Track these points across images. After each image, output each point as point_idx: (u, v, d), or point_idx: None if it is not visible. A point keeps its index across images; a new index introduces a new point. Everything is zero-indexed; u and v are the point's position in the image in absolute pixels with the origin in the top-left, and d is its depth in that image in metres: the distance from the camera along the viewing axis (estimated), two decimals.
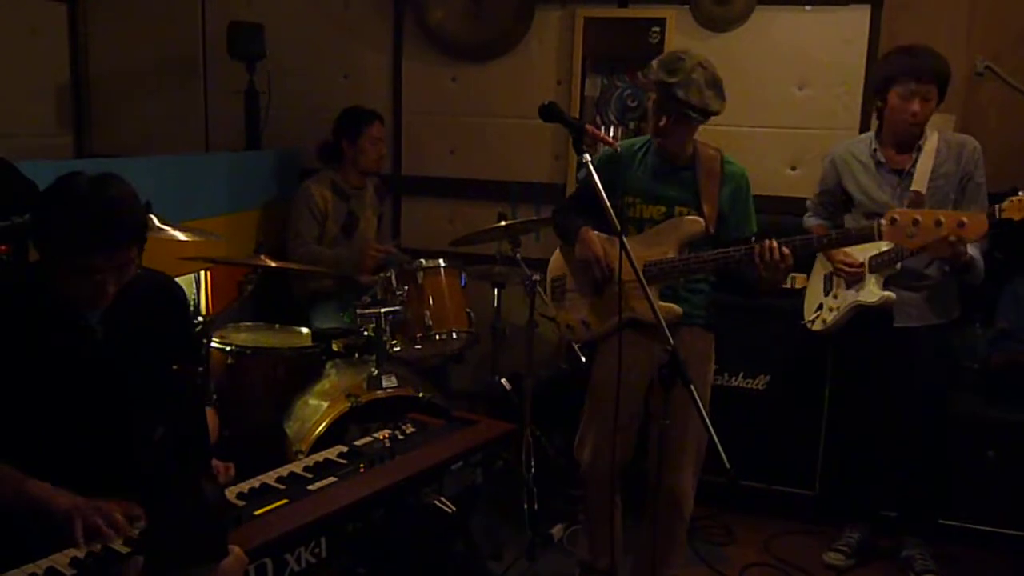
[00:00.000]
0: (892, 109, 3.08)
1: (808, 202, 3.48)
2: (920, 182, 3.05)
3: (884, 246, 3.07)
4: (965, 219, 2.47)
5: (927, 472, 3.33)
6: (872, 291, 3.09)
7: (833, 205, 3.34)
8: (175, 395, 0.86)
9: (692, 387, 2.07)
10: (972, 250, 2.95)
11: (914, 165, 3.08)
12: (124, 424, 2.04)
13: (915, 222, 2.48)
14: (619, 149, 2.61)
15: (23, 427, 1.96)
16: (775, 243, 2.57)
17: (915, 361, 3.18)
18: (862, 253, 3.15)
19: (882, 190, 3.14)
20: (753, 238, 2.72)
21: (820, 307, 3.31)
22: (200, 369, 1.14)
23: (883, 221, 2.53)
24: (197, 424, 0.86)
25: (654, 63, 2.69)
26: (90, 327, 2.03)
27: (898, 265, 3.06)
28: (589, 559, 3.04)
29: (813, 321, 3.34)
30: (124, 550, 1.73)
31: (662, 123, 2.69)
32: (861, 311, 3.13)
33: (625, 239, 2.74)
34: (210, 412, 2.34)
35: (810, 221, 3.43)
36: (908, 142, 3.11)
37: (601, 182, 2.84)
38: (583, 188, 3.00)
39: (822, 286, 3.34)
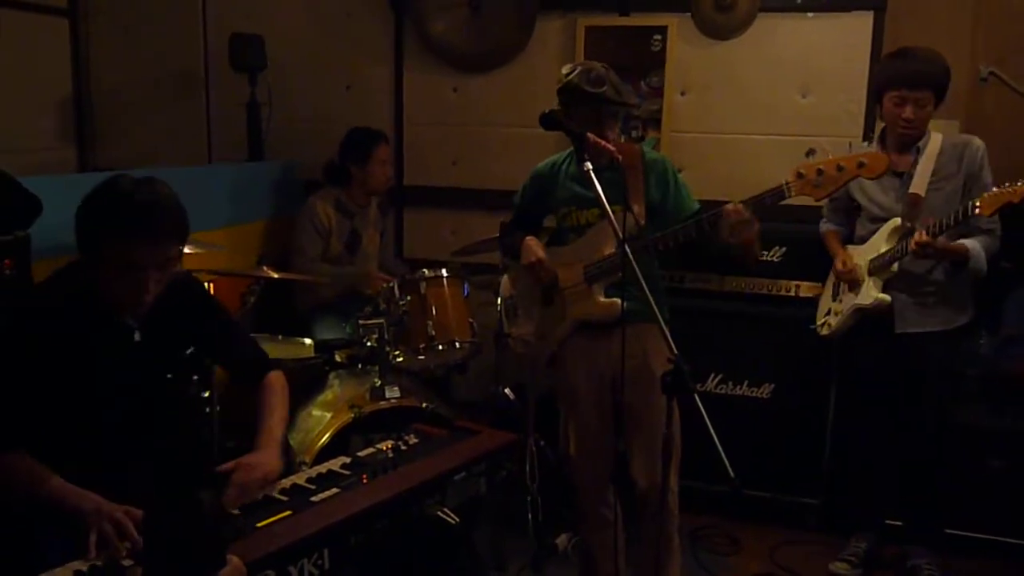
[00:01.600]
0: (887, 114, 3.10)
1: (824, 208, 3.45)
2: (919, 184, 3.05)
3: (883, 247, 3.07)
4: (865, 159, 2.47)
5: (932, 480, 3.30)
6: (868, 293, 3.09)
7: (845, 212, 3.34)
8: (170, 405, 0.85)
9: (696, 397, 2.06)
10: (967, 241, 2.96)
11: (914, 167, 3.08)
12: (156, 415, 2.06)
13: (819, 172, 2.48)
14: (619, 158, 2.60)
15: (63, 429, 1.99)
16: (737, 204, 2.57)
17: (918, 368, 3.16)
18: (861, 256, 3.15)
19: (885, 194, 3.14)
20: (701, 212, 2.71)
21: (828, 312, 3.31)
22: (195, 379, 1.14)
23: (790, 178, 2.52)
24: (193, 434, 0.85)
25: (575, 80, 2.72)
26: (129, 329, 2.07)
27: (895, 266, 3.05)
28: (587, 570, 3.01)
29: (821, 326, 3.34)
30: (129, 563, 1.72)
31: (613, 132, 2.77)
32: (862, 315, 3.13)
33: (564, 248, 2.87)
34: (278, 375, 2.41)
35: (825, 227, 3.43)
36: (908, 144, 3.11)
37: (535, 200, 2.98)
38: (518, 208, 3.07)
39: (832, 291, 3.34)
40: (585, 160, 2.32)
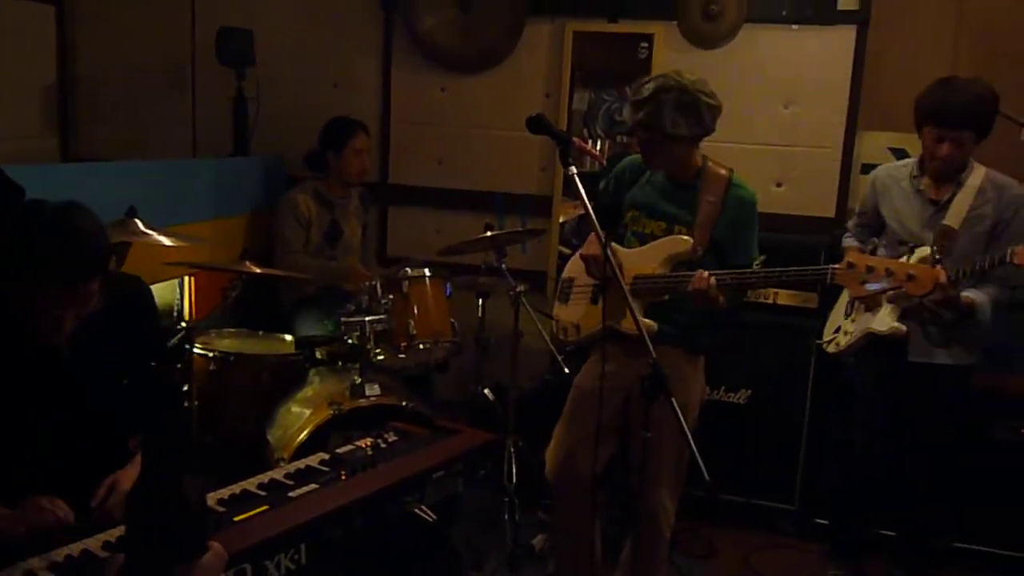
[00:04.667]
0: (924, 146, 2.99)
1: (848, 223, 3.39)
2: (954, 217, 2.94)
3: None
4: (914, 272, 2.42)
5: (927, 508, 3.24)
6: (884, 320, 2.98)
7: (872, 229, 3.24)
8: (153, 393, 0.86)
9: (673, 400, 2.07)
10: (973, 294, 2.87)
11: (951, 199, 2.97)
12: (96, 437, 2.02)
13: (869, 269, 2.42)
14: (604, 163, 2.61)
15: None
16: (706, 274, 2.55)
17: (929, 398, 3.07)
18: None
19: (915, 218, 3.04)
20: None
21: (838, 329, 3.23)
22: (178, 367, 1.13)
23: (838, 266, 2.47)
24: (177, 421, 0.86)
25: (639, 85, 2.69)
26: (55, 347, 1.98)
27: (915, 299, 2.91)
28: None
29: (829, 343, 3.25)
30: (103, 554, 1.72)
31: (636, 143, 2.73)
32: (873, 339, 3.03)
33: (622, 248, 2.81)
34: None
35: (847, 242, 3.32)
36: (947, 176, 2.99)
37: (613, 194, 2.91)
38: (599, 195, 2.99)
39: (845, 308, 3.26)
40: (570, 164, 2.32)
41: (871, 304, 3.04)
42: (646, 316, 2.63)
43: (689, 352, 2.79)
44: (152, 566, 0.89)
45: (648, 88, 2.62)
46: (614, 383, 2.71)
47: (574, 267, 3.02)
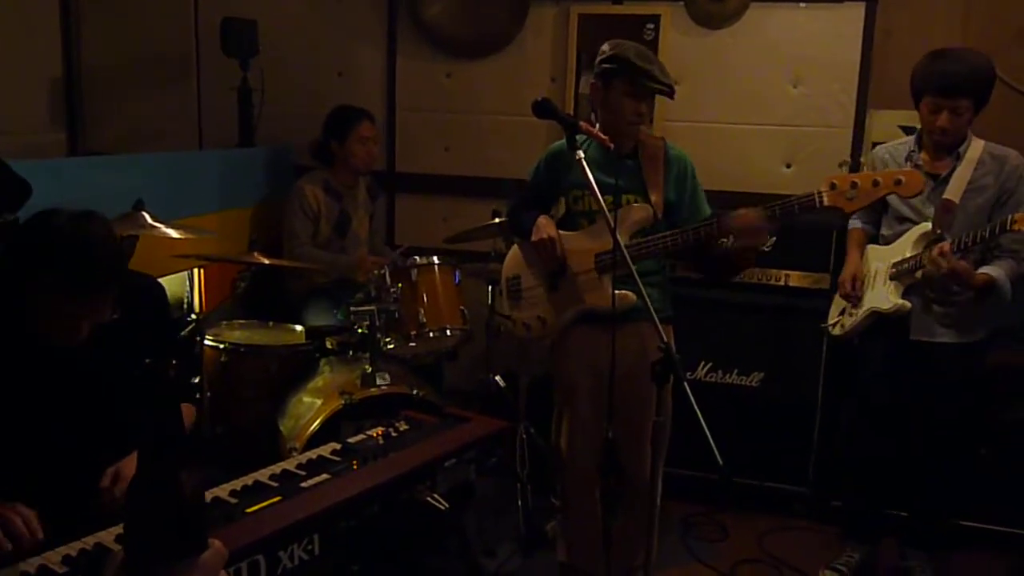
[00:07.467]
0: (923, 119, 2.98)
1: None
2: (954, 191, 2.92)
3: (908, 252, 2.97)
4: (902, 177, 2.44)
5: (936, 487, 3.23)
6: (888, 298, 2.99)
7: (874, 209, 3.19)
8: (148, 389, 0.86)
9: (686, 384, 2.07)
10: (991, 270, 2.86)
11: (951, 172, 2.96)
12: (108, 436, 2.03)
13: (853, 185, 2.44)
14: (611, 146, 2.59)
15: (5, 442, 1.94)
16: (750, 209, 2.59)
17: (935, 378, 3.04)
18: (885, 258, 3.07)
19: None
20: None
21: (843, 311, 3.22)
22: (174, 362, 1.13)
23: (823, 187, 2.48)
24: (172, 417, 0.86)
25: (607, 51, 2.74)
26: (67, 349, 1.98)
27: (918, 273, 2.93)
28: (568, 560, 3.02)
29: (834, 325, 3.25)
30: (116, 548, 1.73)
31: (643, 109, 2.73)
32: (878, 318, 3.04)
33: (574, 233, 2.82)
34: (186, 407, 2.34)
35: (853, 223, 3.30)
36: (946, 148, 2.99)
37: (548, 180, 2.90)
38: (529, 187, 2.98)
39: None
40: (577, 148, 2.31)
41: (851, 299, 3.10)
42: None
43: (663, 324, 2.79)
44: (150, 562, 0.88)
45: (642, 48, 2.71)
46: (599, 364, 2.71)
47: (515, 263, 3.01)
